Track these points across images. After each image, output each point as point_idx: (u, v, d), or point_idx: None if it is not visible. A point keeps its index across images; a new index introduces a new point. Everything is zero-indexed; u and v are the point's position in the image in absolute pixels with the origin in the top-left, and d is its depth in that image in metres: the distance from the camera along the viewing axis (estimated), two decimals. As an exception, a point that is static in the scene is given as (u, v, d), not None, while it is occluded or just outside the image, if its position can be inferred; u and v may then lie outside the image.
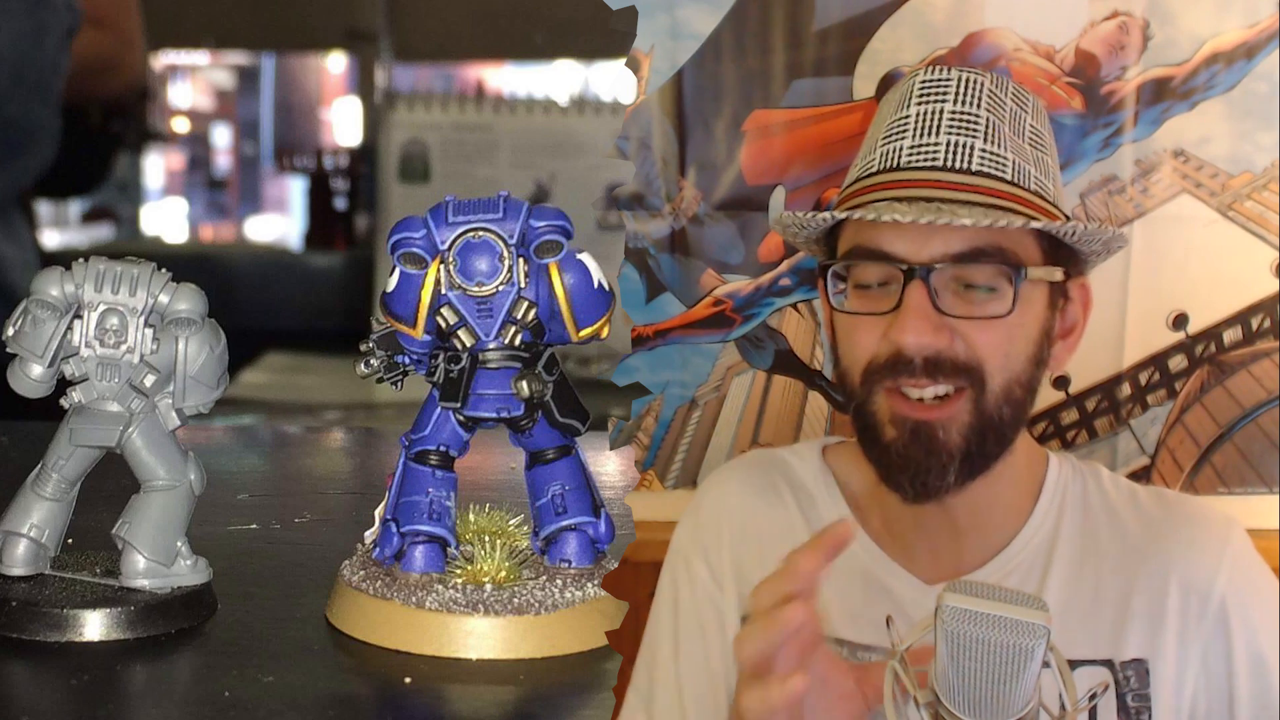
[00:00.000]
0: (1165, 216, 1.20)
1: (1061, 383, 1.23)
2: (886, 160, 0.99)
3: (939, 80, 1.00)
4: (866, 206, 0.97)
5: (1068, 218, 1.00)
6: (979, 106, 0.99)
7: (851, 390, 1.00)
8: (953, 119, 0.99)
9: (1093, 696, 0.94)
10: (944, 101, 0.99)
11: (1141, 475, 1.23)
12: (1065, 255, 1.00)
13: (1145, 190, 1.20)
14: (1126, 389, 1.22)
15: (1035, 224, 0.96)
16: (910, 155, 0.98)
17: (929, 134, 0.99)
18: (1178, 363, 1.21)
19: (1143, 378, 1.22)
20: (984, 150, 0.98)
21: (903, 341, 0.95)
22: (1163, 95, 1.19)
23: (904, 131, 0.99)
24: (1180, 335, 1.21)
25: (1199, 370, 1.21)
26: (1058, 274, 0.99)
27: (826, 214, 1.00)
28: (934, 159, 0.98)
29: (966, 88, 1.00)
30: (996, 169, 0.97)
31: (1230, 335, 1.20)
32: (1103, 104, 1.20)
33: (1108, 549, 1.00)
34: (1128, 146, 1.20)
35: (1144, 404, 1.22)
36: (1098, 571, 0.99)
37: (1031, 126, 1.01)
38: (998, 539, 1.00)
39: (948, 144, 0.98)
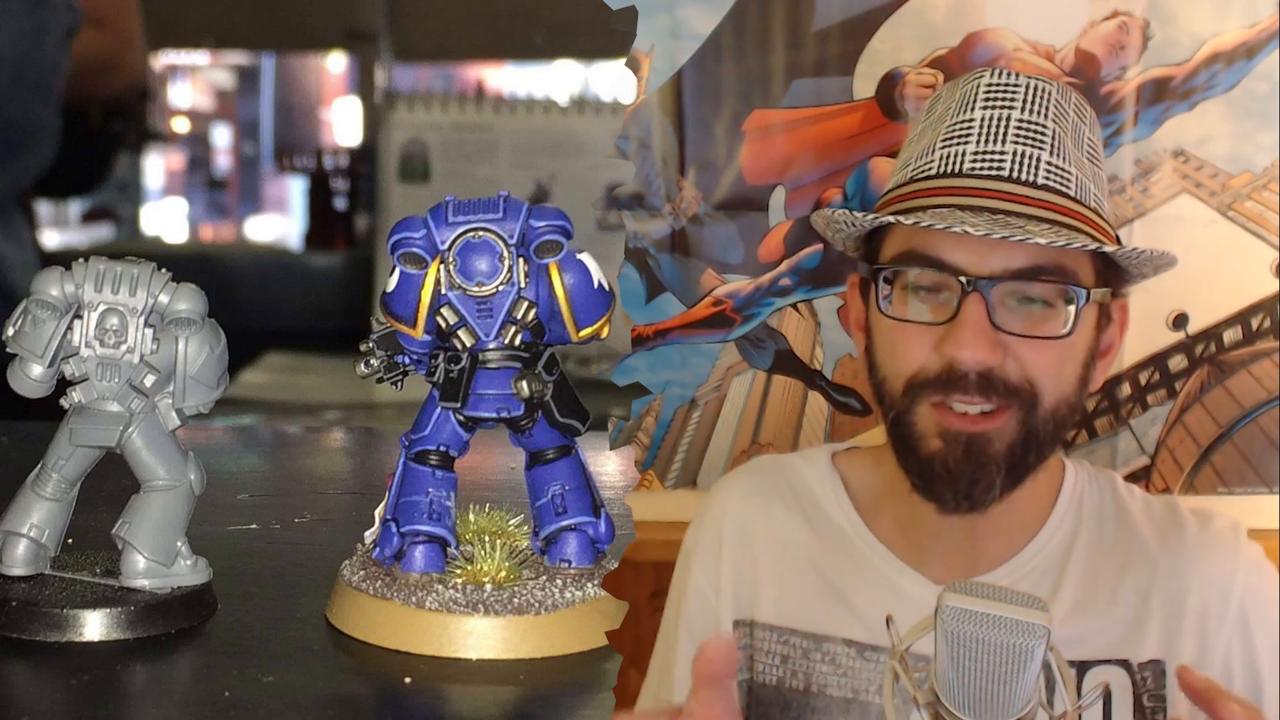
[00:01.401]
0: (1165, 216, 1.20)
1: (1061, 383, 1.23)
2: (947, 165, 0.96)
3: (1006, 85, 0.97)
4: (929, 213, 0.95)
5: (1117, 235, 0.99)
6: (1046, 116, 0.96)
7: (891, 400, 0.97)
8: (1020, 127, 0.96)
9: (1092, 700, 0.94)
10: (1011, 108, 0.96)
11: (1141, 475, 1.23)
12: (1114, 274, 0.99)
13: (1145, 190, 1.20)
14: (1126, 389, 1.22)
15: (1107, 248, 0.94)
16: (974, 162, 0.95)
17: (994, 141, 0.96)
18: (1178, 363, 1.21)
19: (1143, 378, 1.22)
20: (1050, 163, 0.95)
21: (959, 356, 0.93)
22: (1163, 95, 1.19)
23: (967, 136, 0.96)
24: (1180, 335, 1.21)
25: (1199, 370, 1.21)
26: (1108, 295, 0.98)
27: (887, 216, 0.98)
28: (999, 169, 0.95)
29: (1034, 95, 0.97)
30: (1061, 184, 0.95)
31: (1230, 335, 1.21)
32: (1103, 104, 1.20)
33: (1124, 553, 1.00)
34: (1128, 146, 1.20)
35: (1144, 404, 1.22)
36: (1115, 574, 0.99)
37: (1089, 140, 0.98)
38: (1013, 543, 1.00)
39: (1014, 154, 0.95)
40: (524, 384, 1.17)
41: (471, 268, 1.16)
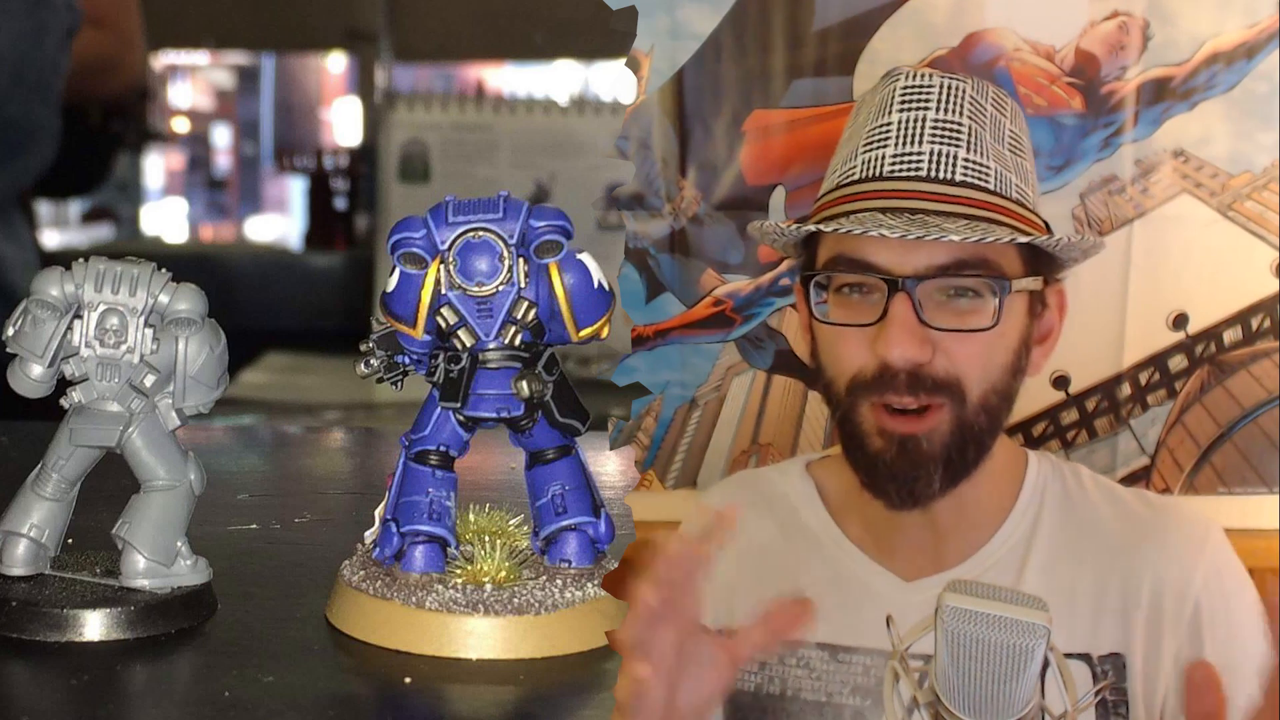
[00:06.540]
0: (1165, 216, 1.21)
1: (1061, 383, 1.23)
2: (868, 169, 0.99)
3: (921, 87, 1.00)
4: (851, 218, 0.97)
5: (1045, 223, 1.01)
6: (961, 114, 0.99)
7: (836, 400, 1.00)
8: (935, 127, 0.98)
9: (1098, 693, 0.94)
10: (926, 109, 0.99)
11: (1141, 475, 1.23)
12: (1044, 263, 1.00)
13: (1145, 190, 1.21)
14: (1126, 389, 1.22)
15: (1023, 238, 0.96)
16: (893, 164, 0.98)
17: (912, 143, 0.98)
18: (1178, 363, 1.21)
19: (1143, 378, 1.22)
20: (967, 160, 0.97)
21: (888, 355, 0.95)
22: (1163, 95, 1.20)
23: (886, 140, 0.99)
24: (1180, 335, 1.21)
25: (1199, 370, 1.21)
26: (1038, 283, 0.99)
27: (810, 225, 1.00)
28: (917, 169, 0.97)
29: (949, 95, 0.99)
30: (980, 179, 0.97)
31: (1230, 335, 1.21)
32: (1103, 104, 1.20)
33: (1086, 544, 1.01)
34: (1128, 146, 1.20)
35: (1144, 404, 1.22)
36: (1075, 566, 1.00)
37: (1011, 132, 1.00)
38: (977, 537, 1.01)
39: (931, 153, 0.98)
40: (524, 384, 1.17)
41: (471, 268, 1.16)
